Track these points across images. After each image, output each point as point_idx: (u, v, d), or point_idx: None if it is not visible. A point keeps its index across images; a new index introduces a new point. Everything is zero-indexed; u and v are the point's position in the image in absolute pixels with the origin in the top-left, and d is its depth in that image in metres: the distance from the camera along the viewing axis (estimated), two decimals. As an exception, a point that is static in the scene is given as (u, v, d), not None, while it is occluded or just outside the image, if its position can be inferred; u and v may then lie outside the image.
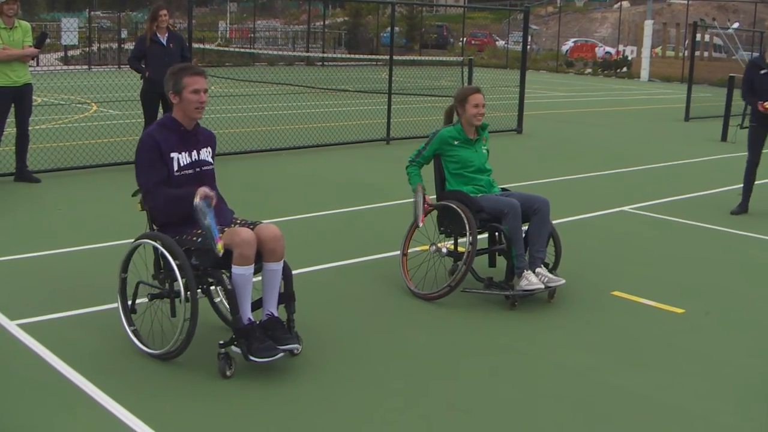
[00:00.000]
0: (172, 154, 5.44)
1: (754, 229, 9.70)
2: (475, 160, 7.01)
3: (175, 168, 5.44)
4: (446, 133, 7.04)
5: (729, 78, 19.29)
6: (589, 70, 47.49)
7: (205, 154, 5.63)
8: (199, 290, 5.31)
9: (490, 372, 5.51)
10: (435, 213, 7.03)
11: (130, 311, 5.64)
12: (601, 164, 14.07)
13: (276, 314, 5.39)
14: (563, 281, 6.69)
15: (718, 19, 32.70)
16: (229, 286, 5.18)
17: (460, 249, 6.92)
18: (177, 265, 5.19)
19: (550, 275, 6.64)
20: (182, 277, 5.17)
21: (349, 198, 10.71)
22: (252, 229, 5.35)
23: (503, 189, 7.16)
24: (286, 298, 5.47)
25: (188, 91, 5.43)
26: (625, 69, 45.84)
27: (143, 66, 12.42)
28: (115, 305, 5.78)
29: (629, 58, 47.62)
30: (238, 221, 5.60)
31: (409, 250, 7.10)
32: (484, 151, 7.14)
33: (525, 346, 5.96)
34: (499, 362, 5.69)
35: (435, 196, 7.21)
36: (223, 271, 5.27)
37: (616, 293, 7.11)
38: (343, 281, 7.37)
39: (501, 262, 6.96)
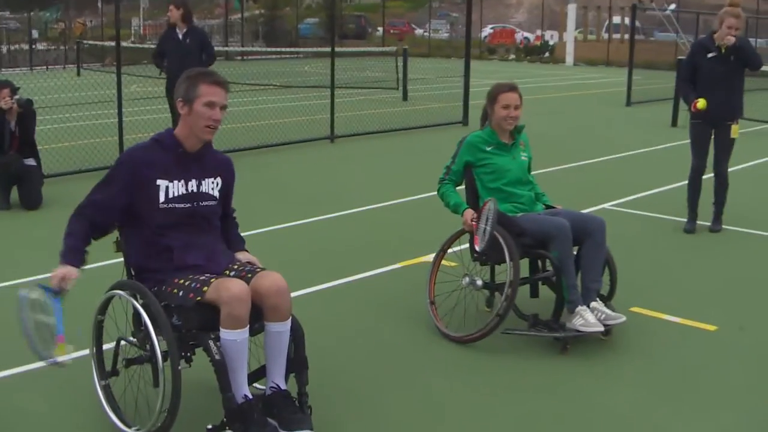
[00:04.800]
0: (159, 182, 4.33)
1: (759, 226, 8.98)
2: (513, 168, 5.94)
3: (161, 198, 4.33)
4: (474, 138, 6.00)
5: (678, 61, 18.69)
6: (513, 56, 47.16)
7: (210, 185, 4.51)
8: (183, 357, 4.29)
9: (531, 419, 4.64)
10: (467, 236, 5.96)
11: (110, 373, 4.59)
12: (559, 157, 13.21)
13: (283, 387, 4.32)
14: (624, 318, 5.69)
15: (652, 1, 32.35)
16: (216, 356, 4.10)
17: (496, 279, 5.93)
18: (153, 325, 4.13)
19: (608, 311, 5.64)
20: (159, 339, 4.13)
21: (305, 208, 9.70)
22: (249, 280, 4.28)
23: (548, 206, 6.11)
24: (297, 365, 4.38)
25: (201, 103, 4.33)
26: (547, 54, 45.63)
27: (165, 63, 12.35)
28: (75, 356, 4.72)
29: (550, 43, 47.47)
30: (235, 268, 4.48)
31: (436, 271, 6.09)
32: (523, 158, 6.09)
33: (560, 386, 5.10)
34: (536, 407, 4.82)
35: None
36: (212, 335, 4.20)
37: (635, 309, 6.27)
38: (331, 311, 6.38)
39: (545, 291, 6.00)
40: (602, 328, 5.50)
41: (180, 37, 12.15)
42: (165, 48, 12.43)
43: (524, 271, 5.84)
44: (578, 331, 5.49)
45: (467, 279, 5.83)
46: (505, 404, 4.88)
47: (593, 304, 5.59)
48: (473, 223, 5.70)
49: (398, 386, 5.09)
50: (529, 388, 5.07)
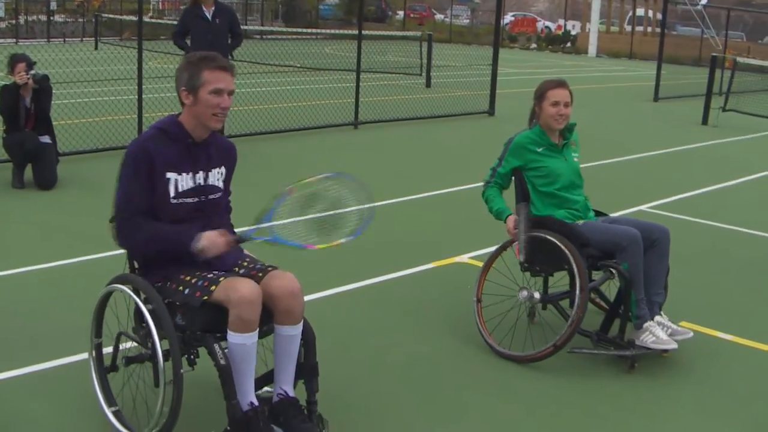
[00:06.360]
0: (169, 175, 4.01)
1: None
2: (566, 171, 5.53)
3: (172, 193, 4.02)
4: (523, 139, 5.55)
5: (711, 58, 18.29)
6: (534, 45, 46.68)
7: (216, 176, 4.19)
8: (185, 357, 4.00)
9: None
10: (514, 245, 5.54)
11: (109, 370, 4.29)
12: (589, 154, 12.62)
13: (291, 394, 4.04)
14: (691, 334, 5.33)
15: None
16: (222, 361, 3.79)
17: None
18: (155, 324, 3.85)
19: (674, 326, 5.27)
20: (161, 338, 3.85)
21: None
22: (260, 280, 3.98)
23: (598, 212, 5.73)
24: (307, 371, 4.09)
25: (207, 91, 3.98)
26: (569, 44, 45.18)
27: (188, 43, 11.25)
28: (82, 356, 4.40)
29: (572, 33, 47.04)
30: (245, 265, 4.17)
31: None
32: (575, 159, 5.69)
33: (609, 409, 4.72)
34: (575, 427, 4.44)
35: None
36: (217, 335, 3.90)
37: (685, 324, 5.85)
38: (355, 315, 6.01)
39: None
40: (675, 345, 5.14)
41: (208, 16, 11.13)
42: (189, 27, 11.29)
43: (564, 281, 5.38)
44: (648, 348, 5.12)
45: (525, 293, 5.40)
46: (538, 419, 4.53)
47: (657, 318, 5.24)
48: (516, 231, 5.32)
49: (425, 399, 4.74)
50: (567, 405, 4.71)
